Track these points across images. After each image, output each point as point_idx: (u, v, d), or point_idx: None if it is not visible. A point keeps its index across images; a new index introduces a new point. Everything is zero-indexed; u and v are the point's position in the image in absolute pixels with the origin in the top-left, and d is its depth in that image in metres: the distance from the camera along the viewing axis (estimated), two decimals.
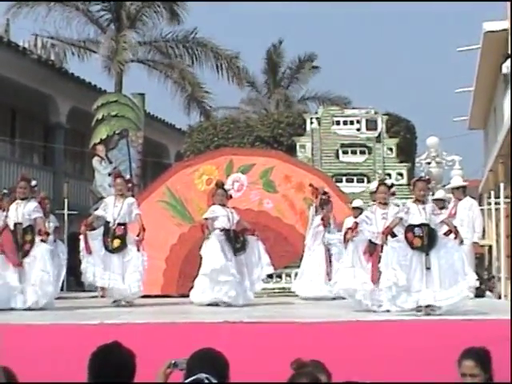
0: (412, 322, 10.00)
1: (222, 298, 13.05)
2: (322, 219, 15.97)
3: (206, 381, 4.51)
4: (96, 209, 20.70)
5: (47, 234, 12.89)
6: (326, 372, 5.42)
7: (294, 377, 4.97)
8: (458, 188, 15.08)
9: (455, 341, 8.57)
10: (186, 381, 4.58)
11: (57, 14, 29.24)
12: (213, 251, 13.41)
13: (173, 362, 5.12)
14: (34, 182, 13.55)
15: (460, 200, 15.90)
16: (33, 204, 13.02)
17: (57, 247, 13.93)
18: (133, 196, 14.43)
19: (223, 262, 13.23)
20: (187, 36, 30.87)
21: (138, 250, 13.58)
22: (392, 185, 13.42)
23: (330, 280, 15.27)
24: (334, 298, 14.76)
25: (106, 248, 13.59)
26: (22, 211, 12.87)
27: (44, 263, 12.60)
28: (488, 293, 19.19)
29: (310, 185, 16.50)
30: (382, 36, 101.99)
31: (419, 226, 10.90)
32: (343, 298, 13.31)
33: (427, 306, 10.55)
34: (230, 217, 13.70)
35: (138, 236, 13.59)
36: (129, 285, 13.47)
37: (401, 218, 11.15)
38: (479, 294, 17.38)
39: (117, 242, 13.57)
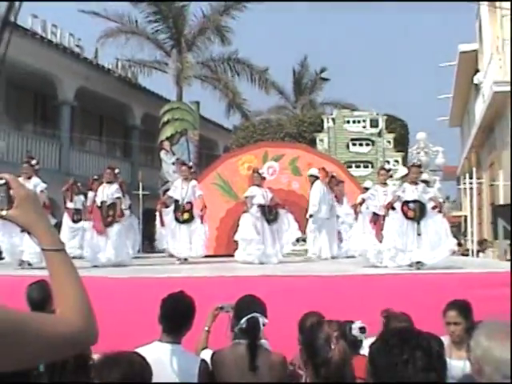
0: (406, 275, 9.99)
1: (256, 259, 13.11)
2: (336, 196, 15.92)
3: (260, 319, 4.58)
4: (165, 190, 20.91)
5: (122, 214, 13.02)
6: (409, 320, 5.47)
7: (389, 321, 5.24)
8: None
9: (438, 288, 8.57)
10: (243, 319, 4.58)
11: (132, 42, 29.46)
12: (246, 225, 13.54)
13: (220, 306, 5.18)
14: (117, 170, 13.70)
15: None
16: (115, 186, 13.14)
17: (132, 219, 13.99)
18: (195, 179, 14.48)
19: (254, 235, 13.34)
20: (230, 56, 30.96)
21: (202, 222, 13.75)
22: (390, 169, 13.39)
23: (341, 242, 15.31)
24: (347, 257, 14.77)
25: (177, 220, 13.71)
26: (107, 192, 13.02)
27: (120, 233, 12.86)
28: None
29: (323, 168, 16.43)
30: (383, 54, 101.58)
31: (413, 201, 10.96)
32: (353, 257, 13.37)
33: (417, 263, 10.54)
34: (264, 195, 13.68)
35: (201, 211, 13.71)
36: (195, 248, 13.65)
37: (399, 196, 11.13)
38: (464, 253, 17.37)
39: (186, 215, 13.71)
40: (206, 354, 4.84)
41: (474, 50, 26.87)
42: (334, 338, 3.30)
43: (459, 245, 20.24)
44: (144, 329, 5.66)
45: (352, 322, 5.16)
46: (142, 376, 3.38)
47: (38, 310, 4.94)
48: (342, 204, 15.81)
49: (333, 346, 3.25)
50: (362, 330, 5.14)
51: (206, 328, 5.29)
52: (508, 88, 19.24)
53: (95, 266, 12.17)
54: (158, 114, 26.95)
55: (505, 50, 19.96)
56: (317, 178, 14.85)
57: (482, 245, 19.57)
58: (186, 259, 13.64)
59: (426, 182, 13.58)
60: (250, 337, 4.52)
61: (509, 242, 16.86)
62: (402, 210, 11.00)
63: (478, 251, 18.58)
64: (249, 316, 4.57)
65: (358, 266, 11.80)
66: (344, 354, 3.26)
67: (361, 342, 5.14)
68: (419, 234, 10.78)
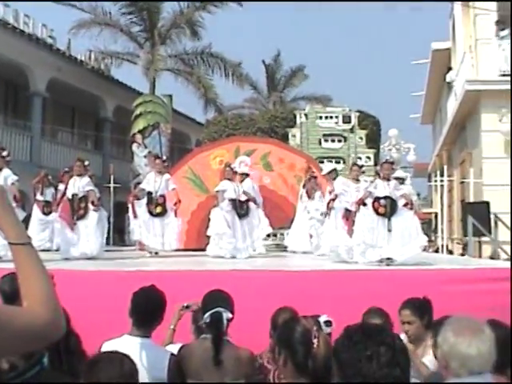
0: (376, 271, 10.02)
1: (228, 253, 13.10)
2: (307, 192, 16.02)
3: (224, 313, 4.59)
4: (136, 183, 20.83)
5: (98, 204, 12.96)
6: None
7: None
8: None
9: (407, 283, 8.63)
10: (207, 314, 4.60)
11: (105, 34, 29.35)
12: (217, 219, 13.50)
13: (185, 304, 5.21)
14: (86, 162, 13.59)
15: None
16: (86, 179, 13.05)
17: (101, 212, 13.93)
18: (168, 173, 14.46)
19: (225, 229, 13.30)
20: (204, 50, 30.92)
21: (175, 215, 13.78)
22: (362, 165, 13.44)
23: (311, 238, 15.40)
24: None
25: (151, 213, 13.70)
26: (78, 185, 12.93)
27: (94, 225, 12.70)
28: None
29: (308, 165, 16.56)
30: (358, 49, 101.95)
31: (384, 197, 10.99)
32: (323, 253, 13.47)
33: (388, 259, 10.60)
34: (236, 189, 13.69)
35: (174, 205, 13.71)
36: (168, 242, 13.68)
37: (370, 192, 11.17)
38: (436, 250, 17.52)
39: (159, 209, 13.71)
40: (173, 349, 4.86)
41: (447, 49, 27.01)
42: (315, 331, 3.30)
43: (430, 241, 20.44)
44: (114, 322, 5.66)
45: (318, 316, 5.18)
46: (132, 376, 3.40)
47: (9, 303, 4.91)
48: (313, 199, 15.87)
49: (315, 341, 3.24)
50: (328, 323, 5.15)
51: (172, 326, 5.32)
52: (480, 87, 19.42)
53: (66, 259, 12.10)
54: (131, 107, 26.88)
55: (477, 48, 20.12)
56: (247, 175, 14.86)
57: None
58: (156, 253, 13.65)
59: (400, 179, 13.66)
60: (213, 331, 4.55)
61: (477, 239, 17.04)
62: (373, 205, 11.05)
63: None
64: (212, 311, 4.59)
65: (328, 262, 11.87)
66: (328, 346, 3.27)
67: (328, 335, 5.17)
68: (389, 230, 10.83)
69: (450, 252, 20.96)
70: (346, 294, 8.25)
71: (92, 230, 12.71)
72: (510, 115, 18.35)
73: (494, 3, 19.17)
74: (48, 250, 14.30)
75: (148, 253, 13.70)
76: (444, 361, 3.06)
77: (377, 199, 11.05)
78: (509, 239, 16.11)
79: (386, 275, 9.59)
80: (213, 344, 4.48)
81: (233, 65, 31.52)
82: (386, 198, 11.01)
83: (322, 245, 13.32)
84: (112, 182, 20.57)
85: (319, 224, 15.27)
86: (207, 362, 4.44)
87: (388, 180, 11.26)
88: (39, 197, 16.51)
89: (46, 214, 16.22)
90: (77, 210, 12.76)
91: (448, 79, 25.11)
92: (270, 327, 5.16)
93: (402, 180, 14.12)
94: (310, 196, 15.96)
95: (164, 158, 15.75)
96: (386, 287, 8.62)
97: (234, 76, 31.58)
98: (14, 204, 2.14)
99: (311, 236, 15.52)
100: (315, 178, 16.15)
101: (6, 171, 12.16)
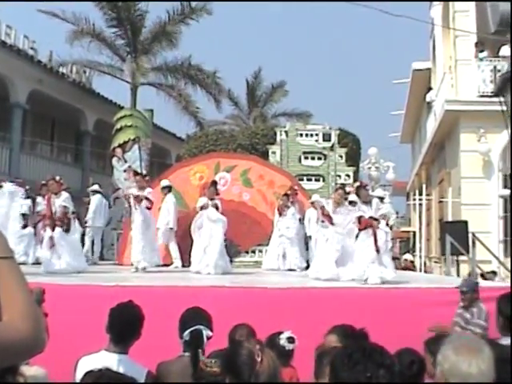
0: (351, 289, 10.04)
1: (208, 270, 13.04)
2: (278, 209, 16.12)
3: (204, 331, 4.60)
4: (115, 197, 20.83)
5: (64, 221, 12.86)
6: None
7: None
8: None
9: (384, 302, 8.68)
10: (186, 332, 4.60)
11: (89, 46, 29.30)
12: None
13: None
14: (58, 178, 13.27)
15: None
16: (63, 196, 12.84)
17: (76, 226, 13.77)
18: (150, 187, 14.35)
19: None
20: (183, 62, 30.92)
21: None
22: (349, 192, 13.21)
23: (283, 256, 15.62)
24: (289, 269, 15.09)
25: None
26: (56, 203, 12.79)
27: (75, 240, 12.79)
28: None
29: (294, 189, 16.61)
30: (339, 67, 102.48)
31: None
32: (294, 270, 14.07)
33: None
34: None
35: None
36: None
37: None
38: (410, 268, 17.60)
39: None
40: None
41: (428, 69, 27.30)
42: (258, 350, 3.33)
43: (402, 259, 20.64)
44: (91, 337, 5.65)
45: (281, 333, 5.21)
46: None
47: None
48: (284, 216, 15.92)
49: (258, 359, 3.28)
50: (290, 339, 5.18)
51: None
52: (459, 107, 19.61)
53: (49, 273, 12.00)
54: (111, 121, 26.80)
55: (457, 69, 20.34)
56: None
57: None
58: (144, 268, 13.50)
59: (380, 198, 13.73)
60: (192, 349, 4.50)
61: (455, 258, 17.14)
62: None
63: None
64: (192, 328, 4.59)
65: (303, 279, 11.92)
66: (273, 363, 3.30)
67: (290, 351, 5.18)
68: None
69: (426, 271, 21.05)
70: (320, 311, 8.29)
71: (74, 244, 12.71)
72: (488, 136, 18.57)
73: (474, 25, 19.37)
74: (24, 264, 14.15)
75: (134, 268, 13.60)
76: (444, 379, 3.09)
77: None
78: (486, 258, 16.26)
79: (361, 293, 9.62)
80: (192, 362, 4.46)
81: (210, 75, 31.46)
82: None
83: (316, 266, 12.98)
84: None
85: (289, 242, 15.41)
86: (186, 379, 4.43)
87: (367, 203, 11.27)
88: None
89: (22, 227, 16.08)
90: (60, 225, 12.65)
91: (428, 99, 25.34)
92: (228, 343, 5.17)
93: (381, 199, 14.23)
94: (280, 213, 16.00)
95: (144, 172, 15.75)
96: (360, 304, 8.68)
97: (213, 88, 31.62)
98: None
99: (279, 255, 15.65)
100: (288, 195, 16.21)
101: None
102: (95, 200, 17.60)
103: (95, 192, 17.91)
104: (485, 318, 7.72)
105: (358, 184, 12.28)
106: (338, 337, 4.75)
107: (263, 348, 3.39)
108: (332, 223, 11.61)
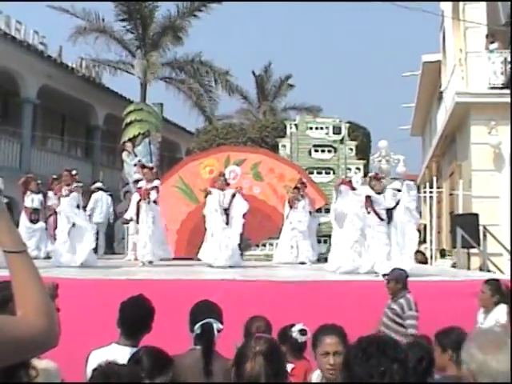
0: (363, 282, 10.03)
1: (222, 263, 13.03)
2: (289, 202, 16.13)
3: (214, 324, 4.58)
4: (126, 191, 20.87)
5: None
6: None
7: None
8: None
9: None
10: (197, 325, 4.59)
11: (99, 41, 29.25)
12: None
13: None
14: (74, 172, 13.56)
15: None
16: (69, 196, 13.01)
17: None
18: (158, 179, 14.35)
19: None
20: (194, 58, 30.83)
21: None
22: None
23: (291, 248, 15.73)
24: (301, 263, 15.07)
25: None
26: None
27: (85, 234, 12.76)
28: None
29: (302, 181, 16.60)
30: (350, 60, 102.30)
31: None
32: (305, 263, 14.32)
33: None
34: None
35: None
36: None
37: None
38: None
39: None
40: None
41: (438, 61, 27.17)
42: (254, 353, 3.35)
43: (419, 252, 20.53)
44: (102, 330, 5.65)
45: (293, 325, 5.21)
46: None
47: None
48: (295, 209, 15.91)
49: (248, 361, 3.33)
50: (303, 332, 5.18)
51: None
52: (469, 99, 19.52)
53: (58, 267, 12.07)
54: (121, 115, 26.81)
55: (467, 61, 20.24)
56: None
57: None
58: (150, 262, 13.54)
59: (397, 190, 13.70)
60: (203, 342, 4.52)
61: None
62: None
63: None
64: (203, 322, 4.58)
65: (316, 273, 11.90)
66: (257, 371, 3.31)
67: (303, 344, 5.17)
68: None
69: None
70: (332, 304, 8.28)
71: (83, 238, 12.72)
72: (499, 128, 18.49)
73: (484, 17, 19.28)
74: (35, 258, 14.21)
75: (141, 262, 13.62)
76: (472, 379, 3.02)
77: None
78: (497, 251, 16.21)
79: (370, 285, 9.60)
80: (203, 355, 4.45)
81: (221, 73, 31.41)
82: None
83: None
84: None
85: (301, 235, 15.39)
86: (197, 372, 4.42)
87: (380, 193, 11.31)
88: (27, 203, 16.33)
89: (34, 221, 16.11)
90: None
91: (442, 88, 25.22)
92: (243, 335, 5.16)
93: (398, 191, 14.23)
94: (291, 206, 16.00)
95: (151, 165, 15.76)
96: (370, 297, 8.66)
97: (224, 84, 31.55)
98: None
99: (292, 247, 15.64)
100: (298, 188, 16.19)
101: None
102: (94, 197, 17.80)
103: (98, 189, 18.10)
104: (415, 309, 7.69)
105: (372, 175, 12.35)
106: (337, 338, 4.35)
107: (259, 353, 3.40)
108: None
